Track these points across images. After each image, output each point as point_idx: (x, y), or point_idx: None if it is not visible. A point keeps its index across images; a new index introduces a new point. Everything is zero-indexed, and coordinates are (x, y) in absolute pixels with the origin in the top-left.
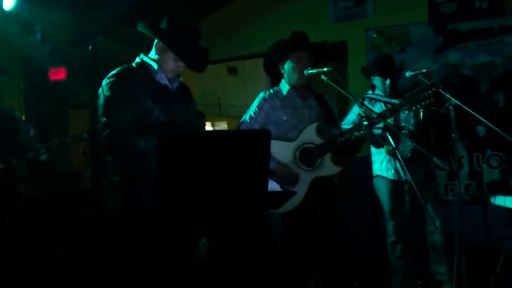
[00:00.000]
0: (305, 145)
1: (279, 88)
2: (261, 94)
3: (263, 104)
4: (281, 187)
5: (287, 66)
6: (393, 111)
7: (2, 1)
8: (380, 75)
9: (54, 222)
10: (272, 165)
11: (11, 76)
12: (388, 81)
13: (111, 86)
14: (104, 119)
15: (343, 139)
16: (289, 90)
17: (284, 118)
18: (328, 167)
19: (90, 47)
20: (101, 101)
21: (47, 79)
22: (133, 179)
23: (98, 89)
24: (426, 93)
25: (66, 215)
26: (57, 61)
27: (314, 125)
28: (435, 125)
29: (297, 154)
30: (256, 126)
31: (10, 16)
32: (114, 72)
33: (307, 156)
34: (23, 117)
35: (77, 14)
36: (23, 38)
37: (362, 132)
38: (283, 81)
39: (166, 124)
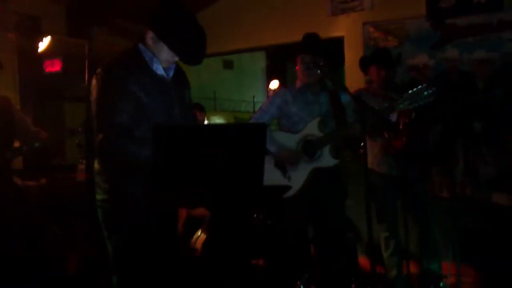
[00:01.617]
0: (308, 138)
1: (294, 84)
2: (277, 90)
3: (275, 99)
4: (282, 168)
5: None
6: (391, 109)
7: None
8: (375, 64)
9: (49, 214)
10: (277, 149)
11: (6, 67)
12: (383, 72)
13: (105, 82)
14: (98, 120)
15: (341, 133)
16: (300, 87)
17: (294, 111)
18: (327, 159)
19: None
20: (94, 96)
21: (42, 71)
22: (122, 172)
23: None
24: (426, 93)
25: (61, 207)
26: (52, 53)
27: (317, 119)
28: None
29: (300, 145)
30: (266, 118)
31: (7, 7)
32: (107, 63)
33: (308, 147)
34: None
35: (72, 6)
36: (20, 29)
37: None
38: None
39: (163, 121)
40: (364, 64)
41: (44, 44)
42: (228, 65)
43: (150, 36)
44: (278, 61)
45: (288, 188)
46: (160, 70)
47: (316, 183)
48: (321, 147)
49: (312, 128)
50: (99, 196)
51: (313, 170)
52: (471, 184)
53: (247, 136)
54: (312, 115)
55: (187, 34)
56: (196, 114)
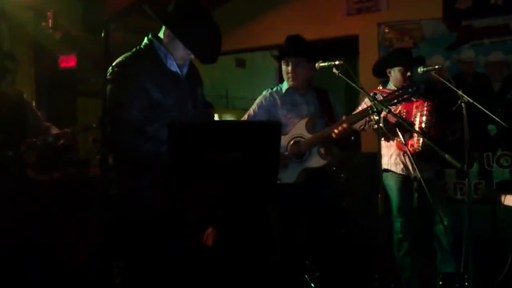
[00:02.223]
0: (296, 139)
1: (281, 86)
2: (264, 92)
3: (263, 102)
4: None
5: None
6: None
7: None
8: (402, 65)
9: (61, 207)
10: None
11: (22, 62)
12: (409, 72)
13: (118, 78)
14: (111, 115)
15: (328, 134)
16: (288, 88)
17: (282, 113)
18: (315, 160)
19: (102, 35)
20: (107, 91)
21: (57, 66)
22: (134, 167)
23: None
24: (410, 89)
25: (73, 201)
26: (67, 48)
27: (304, 120)
28: (452, 125)
29: (289, 146)
30: None
31: (23, 2)
32: (121, 59)
33: (297, 148)
34: (33, 103)
35: (87, 2)
36: (36, 25)
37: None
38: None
39: (177, 117)
40: (385, 64)
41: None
42: (241, 63)
43: (166, 33)
44: None
45: (288, 186)
46: (174, 67)
47: (306, 183)
48: (309, 148)
49: (299, 129)
50: (112, 191)
51: (303, 170)
52: (484, 187)
53: (261, 134)
54: (300, 116)
55: (203, 32)
56: (210, 111)
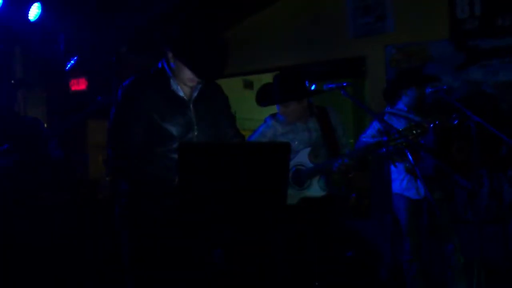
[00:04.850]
0: (298, 167)
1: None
2: (267, 120)
3: (266, 131)
4: None
5: None
6: (378, 146)
7: (27, 11)
8: (417, 84)
9: (73, 229)
10: None
11: (34, 86)
12: (424, 92)
13: (120, 101)
14: (110, 137)
15: (329, 168)
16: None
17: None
18: (315, 190)
19: (114, 58)
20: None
21: (68, 89)
22: (139, 187)
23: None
24: (415, 132)
25: (84, 222)
26: (78, 72)
27: (307, 150)
28: (458, 143)
29: (290, 173)
30: None
31: (35, 26)
32: (128, 82)
33: (298, 177)
34: (45, 125)
35: (99, 26)
36: (47, 48)
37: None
38: None
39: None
40: (401, 86)
41: (71, 62)
42: (249, 85)
43: (170, 55)
44: None
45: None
46: (179, 92)
47: (304, 211)
48: (310, 178)
49: (302, 158)
50: (119, 210)
51: (302, 199)
52: (495, 208)
53: (271, 155)
54: (303, 144)
55: (203, 50)
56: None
